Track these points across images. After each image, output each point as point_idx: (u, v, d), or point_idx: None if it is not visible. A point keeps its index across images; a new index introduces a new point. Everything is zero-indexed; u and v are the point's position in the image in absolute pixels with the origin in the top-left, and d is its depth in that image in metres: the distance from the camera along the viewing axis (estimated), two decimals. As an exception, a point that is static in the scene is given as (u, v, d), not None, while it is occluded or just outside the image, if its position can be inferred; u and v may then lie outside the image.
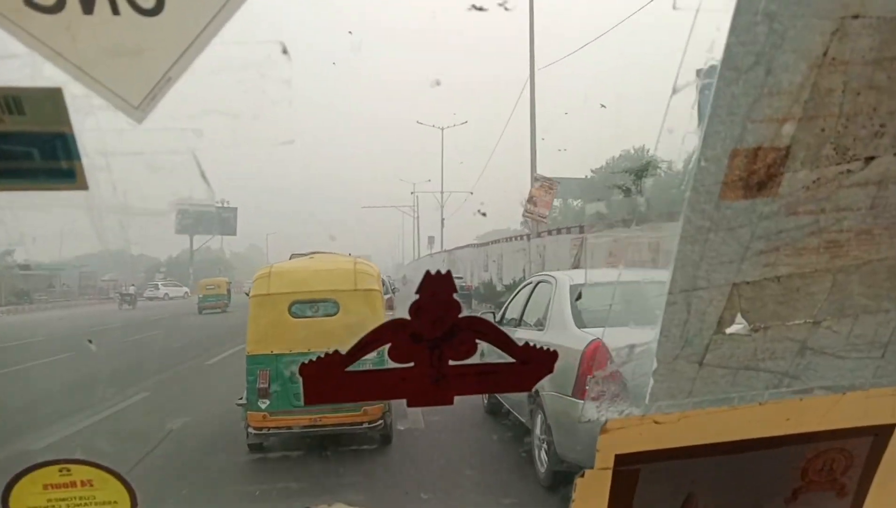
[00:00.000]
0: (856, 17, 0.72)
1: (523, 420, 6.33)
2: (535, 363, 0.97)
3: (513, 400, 6.72)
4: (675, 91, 0.76)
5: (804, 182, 0.86)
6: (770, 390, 1.08)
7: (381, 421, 6.25)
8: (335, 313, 6.29)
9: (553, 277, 6.56)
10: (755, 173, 0.84)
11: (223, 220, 61.76)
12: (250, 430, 6.19)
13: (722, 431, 1.10)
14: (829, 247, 0.93)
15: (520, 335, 6.55)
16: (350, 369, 0.93)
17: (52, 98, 0.68)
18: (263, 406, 6.00)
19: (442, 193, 54.93)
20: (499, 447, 6.98)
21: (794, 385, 1.08)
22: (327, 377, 0.93)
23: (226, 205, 60.22)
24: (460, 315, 0.92)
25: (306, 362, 0.91)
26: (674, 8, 0.68)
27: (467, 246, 47.16)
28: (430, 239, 63.43)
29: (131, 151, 0.72)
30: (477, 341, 0.94)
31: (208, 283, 33.35)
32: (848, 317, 1.02)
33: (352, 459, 6.34)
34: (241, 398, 6.50)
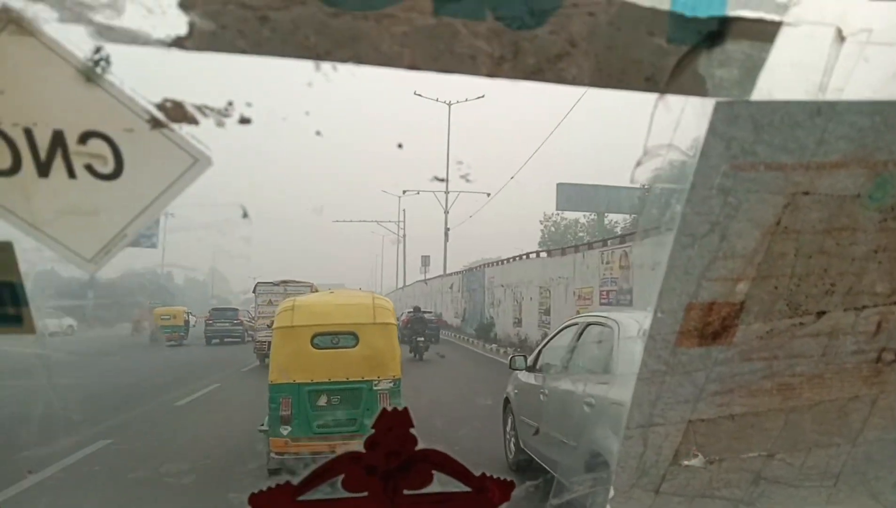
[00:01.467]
0: (806, 193, 0.74)
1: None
2: (491, 491, 0.97)
3: (552, 460, 5.63)
4: (636, 240, 0.78)
5: (758, 332, 0.87)
6: None
7: None
8: (354, 345, 6.53)
9: (612, 319, 5.52)
10: (710, 324, 0.85)
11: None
12: (272, 455, 6.30)
13: None
14: (781, 389, 0.94)
15: (566, 387, 5.58)
16: (303, 498, 0.92)
17: (3, 251, 0.67)
18: (285, 433, 6.13)
19: (447, 192, 38.14)
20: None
21: None
22: (278, 507, 0.91)
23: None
24: (417, 447, 0.92)
25: (256, 492, 0.90)
26: (631, 182, 0.69)
27: (511, 259, 28.33)
28: (425, 260, 49.39)
29: (83, 297, 0.71)
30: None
31: (163, 313, 31.01)
32: (800, 451, 1.03)
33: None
34: (262, 425, 6.72)
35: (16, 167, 0.63)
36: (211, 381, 15.35)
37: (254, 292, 20.95)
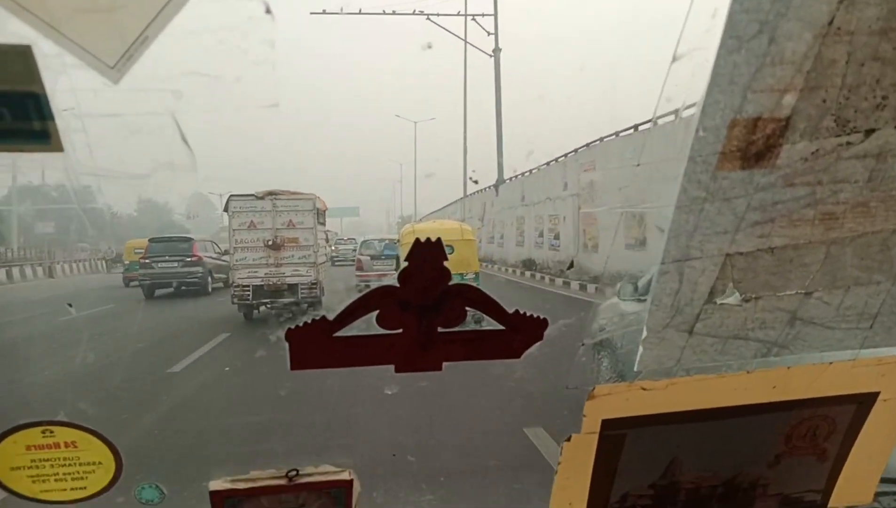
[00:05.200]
0: None
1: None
2: (525, 329, 0.97)
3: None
4: (675, 59, 0.74)
5: (802, 154, 0.84)
6: (758, 359, 1.08)
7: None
8: (451, 253, 10.57)
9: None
10: (753, 144, 0.82)
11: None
12: None
13: (709, 398, 1.10)
14: (824, 219, 0.92)
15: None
16: (338, 334, 0.92)
17: (22, 56, 0.65)
18: None
19: None
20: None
21: (782, 354, 1.09)
22: (314, 343, 0.92)
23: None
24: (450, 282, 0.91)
25: (293, 327, 0.90)
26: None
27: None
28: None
29: (108, 112, 0.69)
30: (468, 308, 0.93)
31: (137, 246, 22.36)
32: (839, 288, 1.01)
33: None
34: None
35: None
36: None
37: (225, 210, 14.65)
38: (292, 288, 14.26)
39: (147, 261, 19.87)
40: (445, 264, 0.91)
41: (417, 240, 0.89)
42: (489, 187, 37.38)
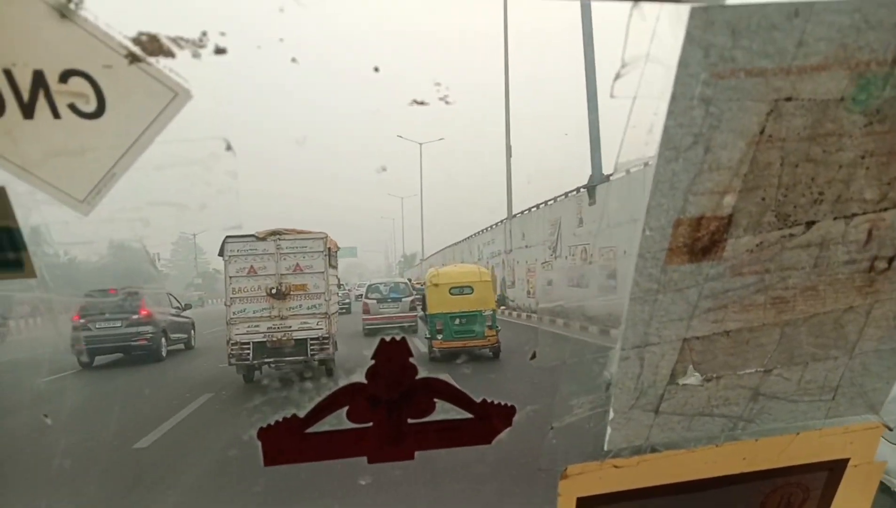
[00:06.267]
0: (788, 99, 0.74)
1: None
2: (493, 418, 0.99)
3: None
4: (616, 170, 0.78)
5: (748, 246, 0.88)
6: (725, 432, 1.11)
7: (496, 343, 13.38)
8: (471, 294, 13.58)
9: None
10: (699, 240, 0.86)
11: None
12: (434, 350, 13.31)
13: (680, 472, 1.12)
14: (775, 303, 0.95)
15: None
16: (310, 430, 0.95)
17: (-3, 196, 0.69)
18: (440, 338, 13.14)
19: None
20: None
21: (748, 428, 1.11)
22: (286, 440, 0.94)
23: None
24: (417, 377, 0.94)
25: (264, 426, 0.92)
26: (611, 96, 0.69)
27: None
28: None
29: (79, 240, 0.73)
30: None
31: None
32: (798, 365, 1.04)
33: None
34: (427, 335, 13.83)
35: (0, 110, 0.65)
36: None
37: (221, 253, 12.33)
38: (300, 344, 12.02)
39: (82, 322, 15.52)
40: (411, 360, 0.94)
41: (382, 339, 0.92)
42: (573, 193, 23.18)
